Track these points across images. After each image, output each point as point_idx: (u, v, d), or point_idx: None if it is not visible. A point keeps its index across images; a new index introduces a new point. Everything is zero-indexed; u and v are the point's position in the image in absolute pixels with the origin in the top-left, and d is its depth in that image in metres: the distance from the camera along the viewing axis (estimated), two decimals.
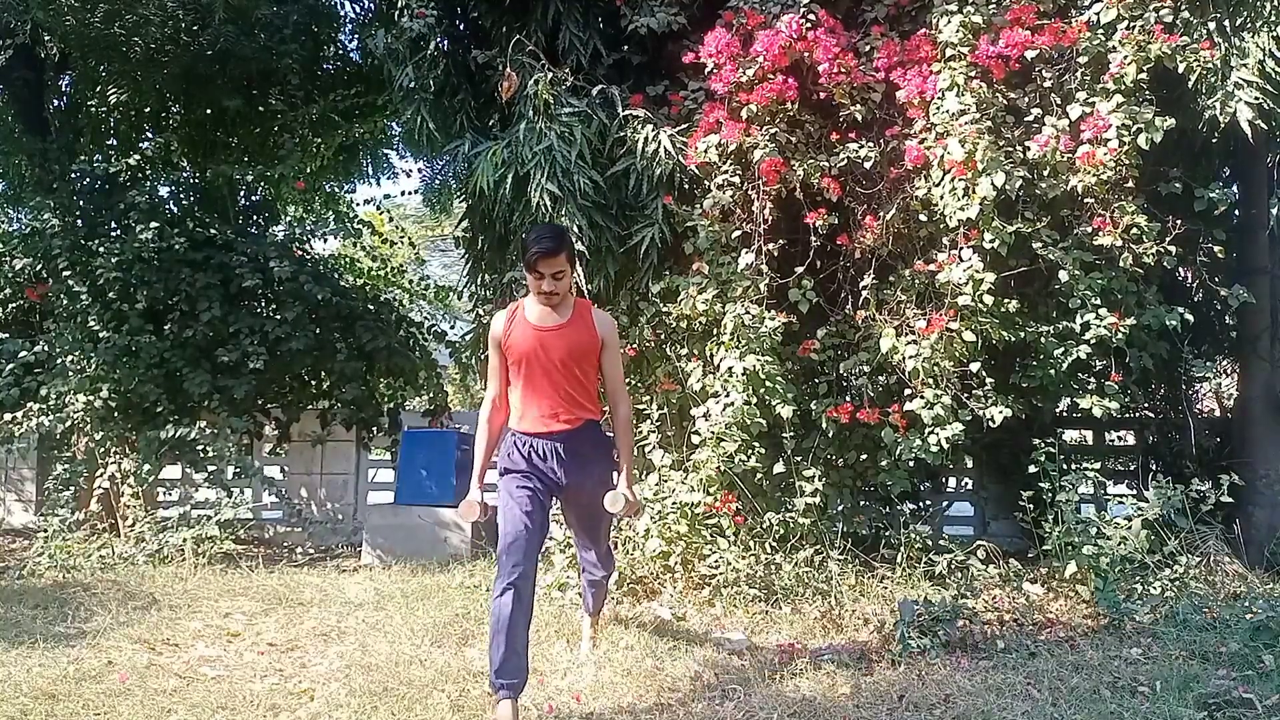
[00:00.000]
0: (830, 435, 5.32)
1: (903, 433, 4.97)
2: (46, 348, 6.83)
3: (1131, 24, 4.87)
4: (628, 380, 5.77)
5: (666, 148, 5.39)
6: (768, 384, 4.95)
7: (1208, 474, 5.03)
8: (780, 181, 5.10)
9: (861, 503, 5.69)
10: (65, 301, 6.80)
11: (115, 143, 9.07)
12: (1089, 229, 4.93)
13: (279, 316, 6.98)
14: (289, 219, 9.65)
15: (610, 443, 3.61)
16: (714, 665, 3.90)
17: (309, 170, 9.14)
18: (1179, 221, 4.94)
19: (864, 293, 5.24)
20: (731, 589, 4.70)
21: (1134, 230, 4.85)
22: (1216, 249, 5.51)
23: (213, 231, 7.29)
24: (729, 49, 5.20)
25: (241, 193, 8.87)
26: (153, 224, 6.83)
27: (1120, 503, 5.14)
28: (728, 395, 5.00)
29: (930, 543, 5.27)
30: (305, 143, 8.62)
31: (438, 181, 10.32)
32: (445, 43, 6.32)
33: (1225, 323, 6.61)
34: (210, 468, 6.51)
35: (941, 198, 4.88)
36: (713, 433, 4.96)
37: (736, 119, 5.15)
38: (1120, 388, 5.08)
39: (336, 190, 10.55)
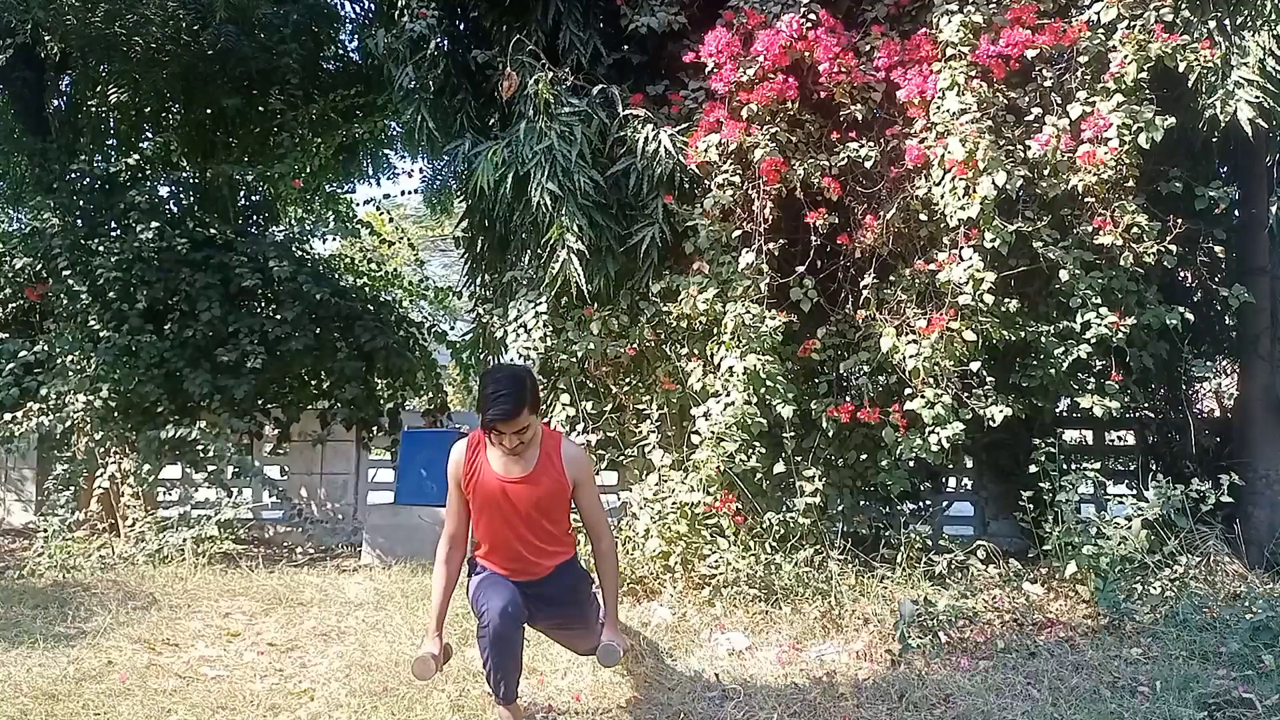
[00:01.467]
0: (830, 435, 5.32)
1: (903, 432, 4.97)
2: (46, 348, 6.82)
3: (1132, 23, 4.86)
4: (628, 381, 5.79)
5: (667, 147, 5.39)
6: (768, 383, 4.95)
7: (1208, 474, 5.03)
8: (780, 181, 5.10)
9: (861, 503, 5.68)
10: (65, 301, 6.80)
11: (115, 143, 9.06)
12: (1089, 228, 4.93)
13: (279, 316, 6.98)
14: (289, 219, 9.65)
15: (587, 574, 3.27)
16: (714, 665, 3.89)
17: (309, 170, 9.13)
18: (1179, 221, 4.94)
19: (864, 292, 5.23)
20: (731, 589, 4.69)
21: (1134, 229, 4.84)
22: (1216, 248, 5.51)
23: (213, 231, 7.29)
24: (729, 48, 5.20)
25: (241, 193, 8.87)
26: (153, 224, 6.83)
27: (1120, 503, 5.13)
28: (728, 395, 4.99)
29: (930, 543, 5.28)
30: (305, 143, 8.61)
31: (437, 182, 10.33)
32: (445, 42, 6.31)
33: (1225, 323, 6.60)
34: (210, 468, 6.51)
35: (942, 197, 4.88)
36: (713, 432, 4.95)
37: (737, 118, 5.15)
38: (1120, 387, 5.08)
39: (337, 190, 10.54)
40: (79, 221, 7.31)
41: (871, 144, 5.14)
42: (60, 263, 6.75)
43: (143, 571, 5.75)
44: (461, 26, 6.70)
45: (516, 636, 2.94)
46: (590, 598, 3.25)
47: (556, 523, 3.12)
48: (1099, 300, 4.88)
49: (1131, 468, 6.65)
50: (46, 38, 7.86)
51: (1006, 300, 4.97)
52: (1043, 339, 5.04)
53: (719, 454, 4.93)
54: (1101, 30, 4.93)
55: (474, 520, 3.10)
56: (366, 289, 8.42)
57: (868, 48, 5.25)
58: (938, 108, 4.91)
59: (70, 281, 6.71)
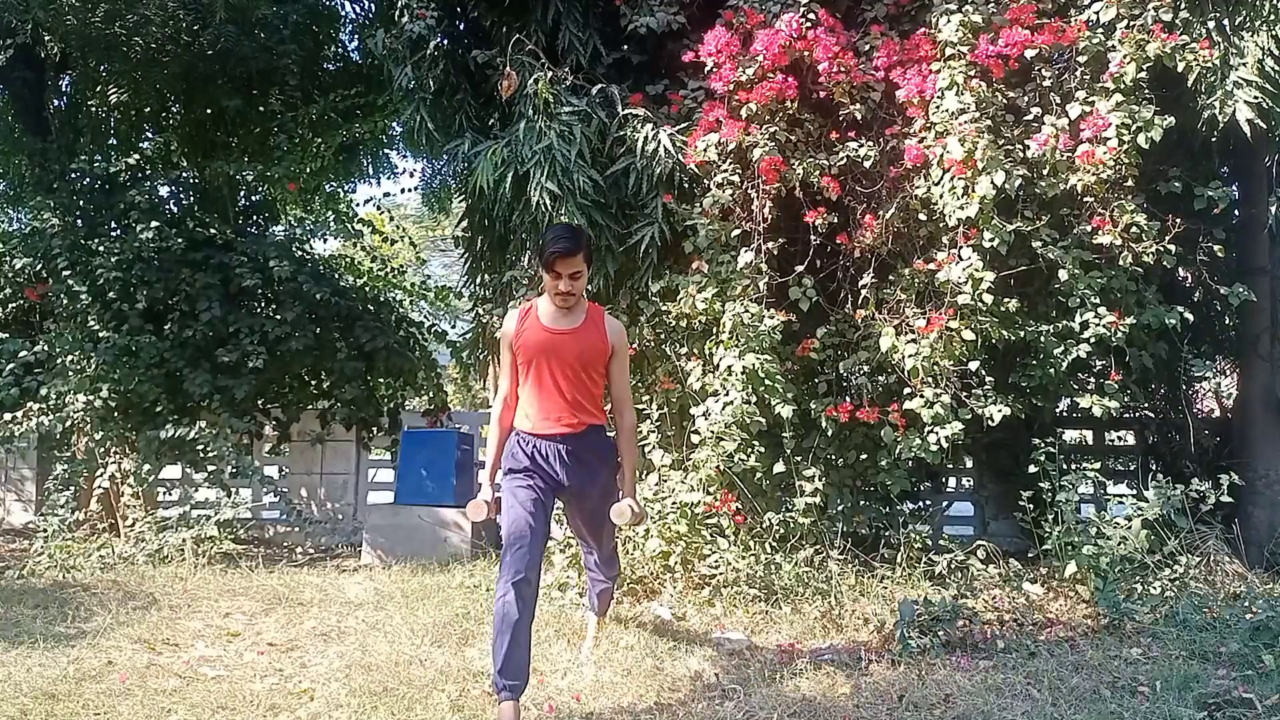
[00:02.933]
0: (830, 434, 5.32)
1: (902, 432, 4.97)
2: (46, 348, 6.83)
3: (1131, 23, 4.87)
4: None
5: (666, 146, 5.39)
6: (767, 383, 4.95)
7: (1208, 474, 5.03)
8: (780, 180, 5.10)
9: (861, 502, 5.68)
10: (65, 301, 6.80)
11: (115, 143, 9.07)
12: (1088, 228, 4.93)
13: (279, 316, 6.99)
14: (289, 219, 9.66)
15: (614, 449, 3.59)
16: (714, 665, 3.89)
17: (309, 170, 9.14)
18: (1179, 220, 4.94)
19: (863, 292, 5.23)
20: (731, 589, 4.70)
21: (1134, 229, 4.85)
22: (1216, 248, 5.50)
23: (212, 231, 7.29)
24: (729, 48, 5.20)
25: (241, 193, 8.88)
26: (153, 224, 6.83)
27: (1120, 503, 5.13)
28: (727, 394, 4.99)
29: (930, 543, 5.28)
30: (305, 143, 8.62)
31: (436, 182, 10.33)
32: (445, 42, 6.31)
33: (1225, 322, 6.60)
34: (210, 468, 6.51)
35: (941, 197, 4.88)
36: (712, 432, 4.95)
37: (736, 118, 5.15)
38: (1120, 387, 5.08)
39: (338, 190, 10.55)
40: (79, 221, 7.32)
41: (871, 144, 5.14)
42: (60, 263, 6.76)
43: (143, 571, 5.75)
44: (461, 26, 6.70)
45: (528, 611, 3.11)
46: (614, 469, 3.55)
47: (594, 381, 3.44)
48: (1098, 300, 4.88)
49: (1131, 468, 6.65)
50: (46, 38, 7.87)
51: (1006, 300, 4.97)
52: (1042, 339, 5.04)
53: (719, 453, 4.93)
54: (1100, 30, 4.93)
55: (522, 376, 3.42)
56: (366, 289, 8.42)
57: (867, 47, 5.25)
58: (937, 107, 4.92)
59: (70, 281, 6.71)
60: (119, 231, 7.14)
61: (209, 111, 8.63)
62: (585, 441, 3.43)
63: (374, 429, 7.68)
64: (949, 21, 4.93)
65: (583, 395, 3.41)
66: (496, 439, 3.50)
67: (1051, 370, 5.05)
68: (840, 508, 5.50)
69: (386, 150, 10.43)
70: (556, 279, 3.25)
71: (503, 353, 3.50)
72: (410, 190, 10.90)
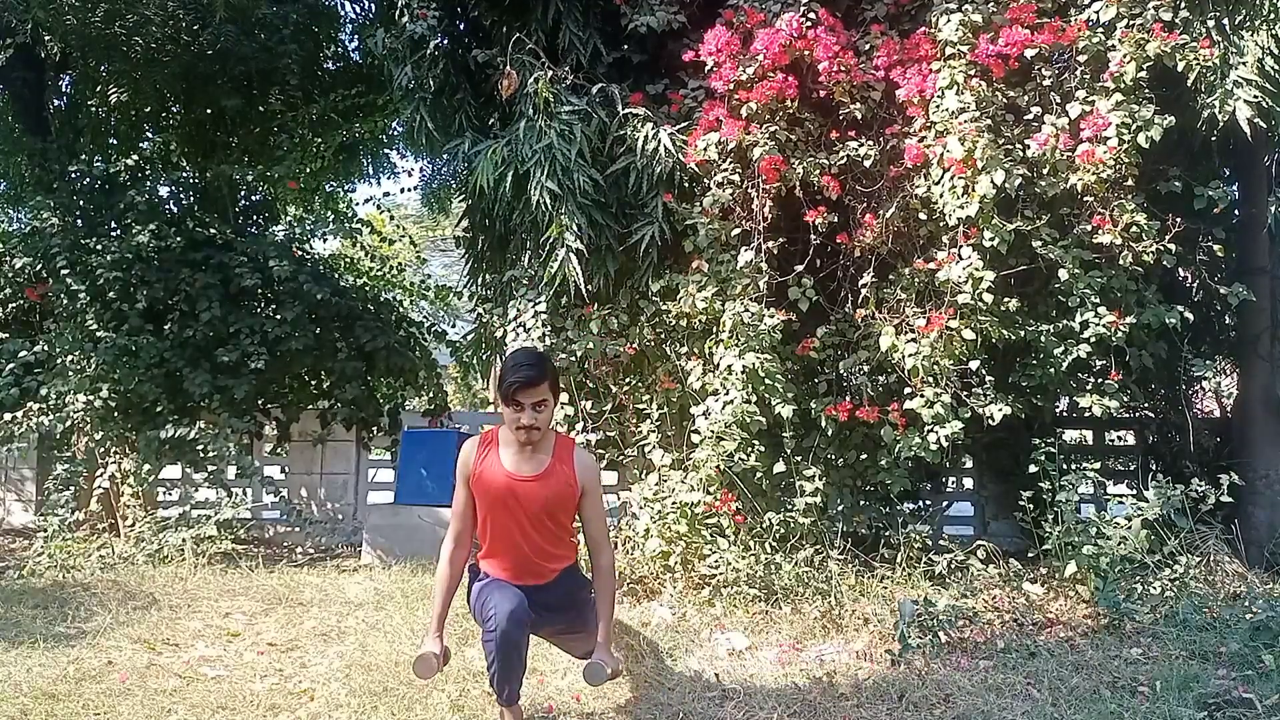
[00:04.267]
0: (830, 434, 5.31)
1: (902, 431, 4.97)
2: (46, 348, 6.82)
3: (1131, 22, 4.87)
4: (628, 380, 5.79)
5: (666, 146, 5.39)
6: (767, 382, 4.95)
7: (1208, 474, 5.03)
8: (780, 179, 5.10)
9: (861, 502, 5.68)
10: (65, 301, 6.80)
11: (115, 143, 9.07)
12: (1088, 227, 4.93)
13: (279, 316, 6.98)
14: (289, 219, 9.66)
15: (588, 582, 3.23)
16: (714, 665, 3.89)
17: (309, 170, 9.14)
18: (1179, 220, 4.94)
19: (864, 291, 5.23)
20: (731, 589, 4.69)
21: (1133, 229, 4.84)
22: (1216, 248, 5.51)
23: (212, 231, 7.29)
24: (729, 47, 5.20)
25: (241, 193, 8.87)
26: (151, 224, 6.82)
27: (1120, 503, 5.13)
28: (727, 393, 4.99)
29: (930, 543, 5.27)
30: (305, 142, 8.62)
31: (436, 181, 10.33)
32: (445, 42, 6.31)
33: (1225, 322, 6.60)
34: (210, 468, 6.50)
35: (941, 196, 4.88)
36: (712, 431, 4.95)
37: (736, 117, 5.15)
38: (1120, 387, 5.08)
39: (338, 190, 10.55)
40: (79, 221, 7.31)
41: (871, 143, 5.14)
42: (60, 263, 6.75)
43: (143, 571, 5.75)
44: (461, 26, 6.69)
45: (522, 640, 2.92)
46: (591, 604, 3.19)
47: (562, 526, 3.10)
48: (1098, 299, 4.88)
49: (1131, 468, 6.65)
50: (46, 38, 7.87)
51: (1006, 299, 4.97)
52: (1042, 338, 5.04)
53: (719, 453, 4.93)
54: (1100, 29, 4.93)
55: (480, 520, 3.08)
56: (366, 289, 8.42)
57: (867, 47, 5.25)
58: (937, 107, 4.92)
59: (70, 281, 6.70)
60: (119, 231, 7.13)
61: (209, 111, 8.63)
62: (558, 589, 3.09)
63: (374, 429, 7.68)
64: (949, 21, 4.93)
65: (550, 543, 3.07)
66: (445, 586, 3.05)
67: (1051, 370, 5.05)
68: (840, 508, 5.49)
69: (386, 150, 10.44)
70: (519, 410, 2.90)
71: (458, 487, 3.11)
72: (409, 190, 10.91)
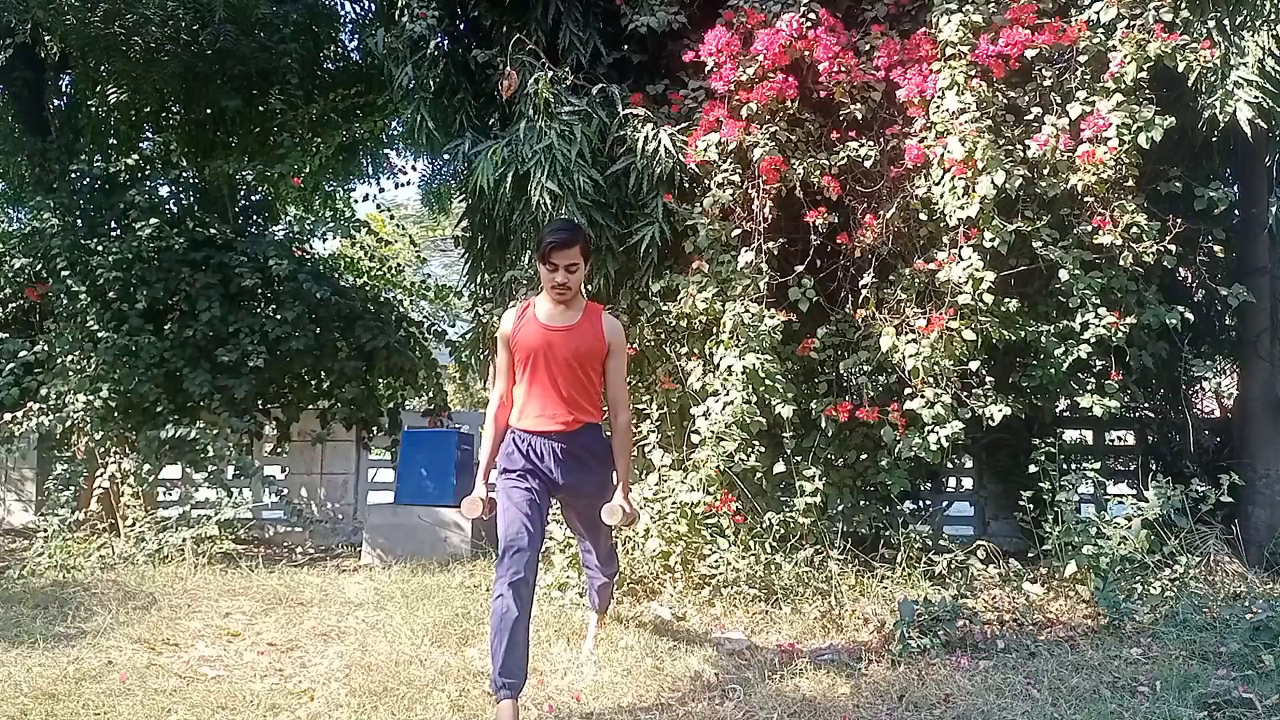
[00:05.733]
0: (830, 434, 5.32)
1: (902, 431, 4.97)
2: (46, 348, 6.82)
3: (1131, 23, 4.87)
4: (628, 380, 5.78)
5: (666, 146, 5.39)
6: (767, 383, 4.95)
7: (1208, 474, 5.04)
8: (780, 180, 5.10)
9: (861, 502, 5.68)
10: (65, 301, 6.80)
11: (115, 142, 9.06)
12: (1089, 228, 4.93)
13: (279, 316, 6.98)
14: (289, 219, 9.66)
15: (609, 448, 3.56)
16: (714, 665, 3.89)
17: (308, 169, 9.14)
18: (1179, 221, 4.94)
19: (864, 291, 5.23)
20: (731, 589, 4.70)
21: (1134, 229, 4.84)
22: (1216, 248, 5.51)
23: (212, 231, 7.29)
24: (729, 48, 5.20)
25: (241, 192, 8.87)
26: (151, 220, 6.82)
27: (1120, 503, 5.13)
28: (727, 394, 4.99)
29: (930, 543, 5.27)
30: (305, 142, 8.61)
31: (436, 181, 10.33)
32: (445, 42, 6.32)
33: (1225, 322, 6.61)
34: (210, 467, 6.50)
35: (941, 196, 4.88)
36: (712, 432, 4.95)
37: (736, 117, 5.15)
38: (1120, 387, 5.08)
39: (338, 190, 10.55)
40: (79, 221, 7.31)
41: (871, 143, 5.14)
42: (60, 263, 6.75)
43: (143, 571, 5.75)
44: (461, 26, 6.69)
45: (525, 611, 3.09)
46: (609, 468, 3.52)
47: (590, 380, 3.43)
48: (1098, 300, 4.88)
49: (1131, 468, 6.66)
50: (46, 38, 7.87)
51: (1006, 300, 4.97)
52: (1042, 339, 5.04)
53: (719, 453, 4.93)
54: (1101, 30, 4.93)
55: (518, 374, 3.42)
56: (367, 289, 8.42)
57: (867, 47, 5.25)
58: (937, 107, 4.92)
59: (70, 281, 6.70)
60: (119, 231, 7.13)
61: (209, 111, 8.62)
62: (580, 439, 3.42)
63: (374, 429, 7.68)
64: (949, 21, 4.93)
65: (579, 393, 3.40)
66: (491, 437, 3.48)
67: (1052, 370, 5.05)
68: (840, 508, 5.49)
69: (386, 150, 10.43)
70: (553, 270, 3.24)
71: (499, 351, 3.49)
72: (403, 185, 10.90)
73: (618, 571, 4.25)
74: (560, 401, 3.37)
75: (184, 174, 8.42)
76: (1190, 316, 5.12)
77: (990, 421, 4.97)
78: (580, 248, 3.26)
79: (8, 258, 7.48)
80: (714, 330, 5.24)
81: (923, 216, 5.12)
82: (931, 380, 4.86)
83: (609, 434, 3.64)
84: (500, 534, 3.25)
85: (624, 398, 3.52)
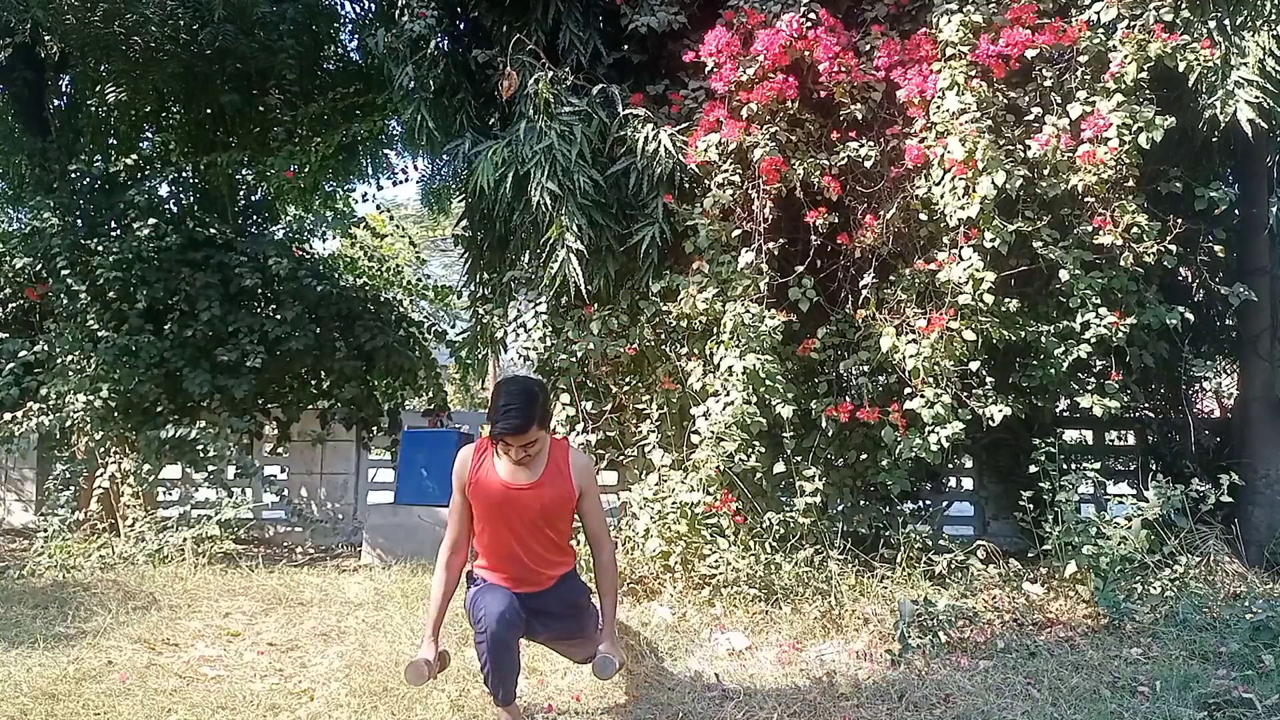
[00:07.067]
0: (830, 435, 5.31)
1: (902, 432, 4.97)
2: (46, 348, 6.82)
3: (1131, 23, 4.87)
4: (628, 380, 5.79)
5: (667, 147, 5.39)
6: (768, 383, 4.95)
7: (1208, 474, 5.03)
8: (780, 180, 5.10)
9: (861, 502, 5.69)
10: (65, 301, 6.80)
11: (115, 142, 9.06)
12: (1089, 228, 4.93)
13: (278, 316, 6.98)
14: (288, 218, 9.66)
15: (587, 593, 3.24)
16: (714, 665, 3.89)
17: (306, 168, 9.12)
18: (1179, 221, 4.94)
19: (864, 292, 5.23)
20: (731, 589, 4.69)
21: (1134, 229, 4.84)
22: (1217, 248, 5.52)
23: (212, 231, 7.29)
24: (729, 48, 5.20)
25: (241, 192, 8.86)
26: (150, 220, 6.82)
27: (1120, 503, 5.14)
28: (728, 394, 4.99)
29: (930, 543, 5.28)
30: (304, 141, 8.60)
31: (436, 181, 10.32)
32: (445, 42, 6.31)
33: (1225, 322, 6.61)
34: (210, 467, 6.50)
35: (942, 197, 4.88)
36: (713, 432, 4.95)
37: (737, 118, 5.15)
38: (1120, 387, 5.08)
39: (338, 190, 10.54)
40: (79, 221, 7.31)
41: (871, 143, 5.14)
42: (60, 262, 6.75)
43: (143, 571, 5.75)
44: (461, 26, 6.69)
45: (514, 642, 2.93)
46: (589, 610, 3.21)
47: (560, 532, 3.09)
48: (1099, 300, 4.88)
49: (1131, 468, 6.66)
50: (46, 37, 7.86)
51: (1006, 300, 4.98)
52: (1043, 339, 5.04)
53: (719, 454, 4.93)
54: (1101, 30, 4.93)
55: (477, 528, 3.06)
56: (366, 288, 8.42)
57: (868, 47, 5.25)
58: (937, 107, 4.91)
59: (70, 281, 6.70)
60: (118, 231, 7.13)
61: (208, 111, 8.62)
62: (555, 594, 3.09)
63: (374, 429, 7.68)
64: (950, 21, 4.93)
65: (548, 549, 3.06)
66: (441, 590, 3.04)
67: (1052, 370, 5.05)
68: (840, 508, 5.49)
69: (386, 150, 10.42)
70: (507, 449, 2.90)
71: (454, 494, 3.10)
72: (400, 183, 10.90)
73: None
74: (528, 566, 3.03)
75: (183, 173, 8.41)
76: (1190, 316, 5.12)
77: (990, 421, 4.97)
78: (537, 424, 2.87)
79: (8, 258, 7.48)
80: (714, 330, 5.23)
81: (923, 217, 5.11)
82: (932, 380, 4.86)
83: (591, 556, 3.24)
84: (474, 611, 2.94)
85: (604, 534, 3.15)
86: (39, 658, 3.91)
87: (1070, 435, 7.53)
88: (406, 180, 10.53)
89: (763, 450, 5.12)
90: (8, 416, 6.59)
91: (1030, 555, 5.39)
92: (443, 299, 10.07)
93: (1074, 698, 3.40)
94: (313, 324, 7.15)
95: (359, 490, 8.18)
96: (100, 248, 6.76)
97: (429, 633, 3.03)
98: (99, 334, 6.62)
